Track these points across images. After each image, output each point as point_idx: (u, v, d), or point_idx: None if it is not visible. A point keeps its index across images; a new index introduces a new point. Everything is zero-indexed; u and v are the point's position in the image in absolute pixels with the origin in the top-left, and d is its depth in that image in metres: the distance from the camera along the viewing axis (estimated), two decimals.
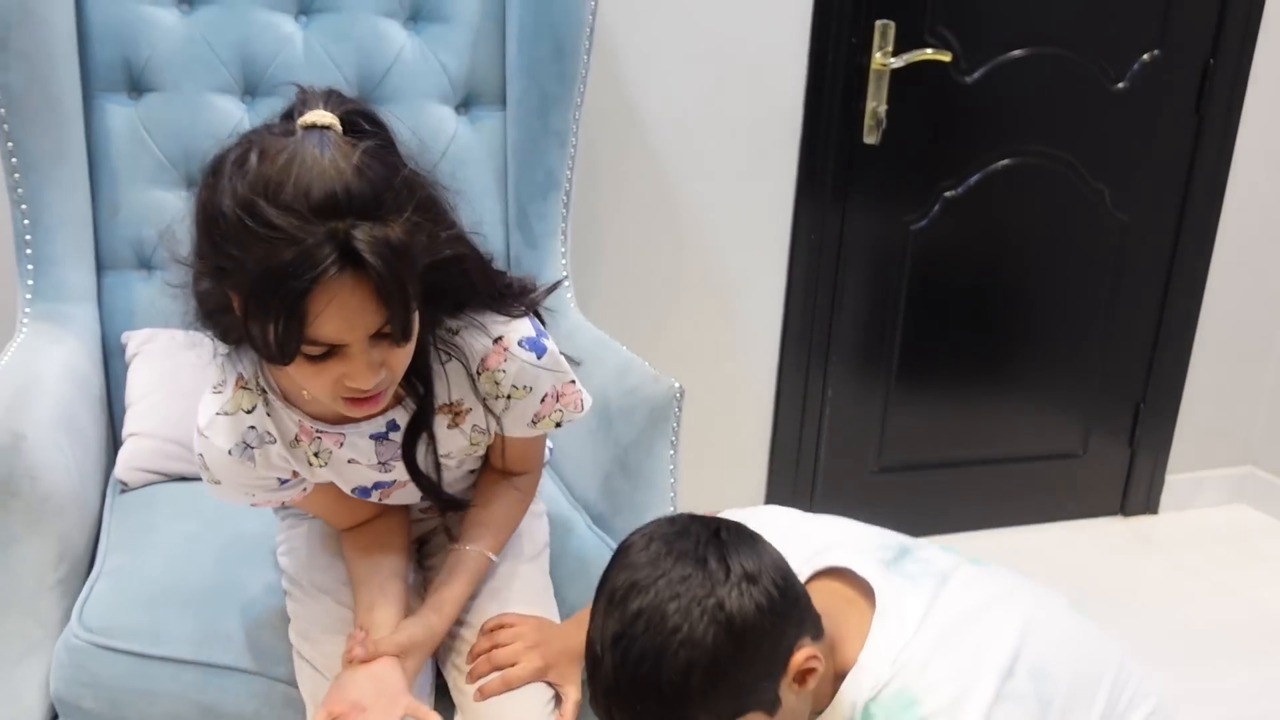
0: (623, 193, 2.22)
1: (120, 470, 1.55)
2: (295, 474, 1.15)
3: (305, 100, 0.93)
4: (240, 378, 1.09)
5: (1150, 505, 2.95)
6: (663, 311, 2.33)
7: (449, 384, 1.12)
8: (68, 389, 1.44)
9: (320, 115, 0.91)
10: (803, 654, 0.94)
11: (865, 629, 1.01)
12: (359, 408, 0.99)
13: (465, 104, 1.88)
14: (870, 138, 2.36)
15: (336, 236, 0.85)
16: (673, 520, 0.98)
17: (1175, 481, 2.96)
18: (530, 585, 1.28)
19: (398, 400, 1.12)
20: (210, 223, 0.89)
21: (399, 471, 1.16)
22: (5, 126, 1.57)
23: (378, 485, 1.19)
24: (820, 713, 1.02)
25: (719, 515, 1.03)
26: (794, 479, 2.58)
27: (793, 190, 2.36)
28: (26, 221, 1.62)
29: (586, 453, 1.59)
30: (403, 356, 0.97)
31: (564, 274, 1.89)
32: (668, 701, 0.90)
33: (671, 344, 2.35)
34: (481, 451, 1.23)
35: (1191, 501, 2.99)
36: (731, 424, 2.47)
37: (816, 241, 2.40)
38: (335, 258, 0.85)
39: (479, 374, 1.12)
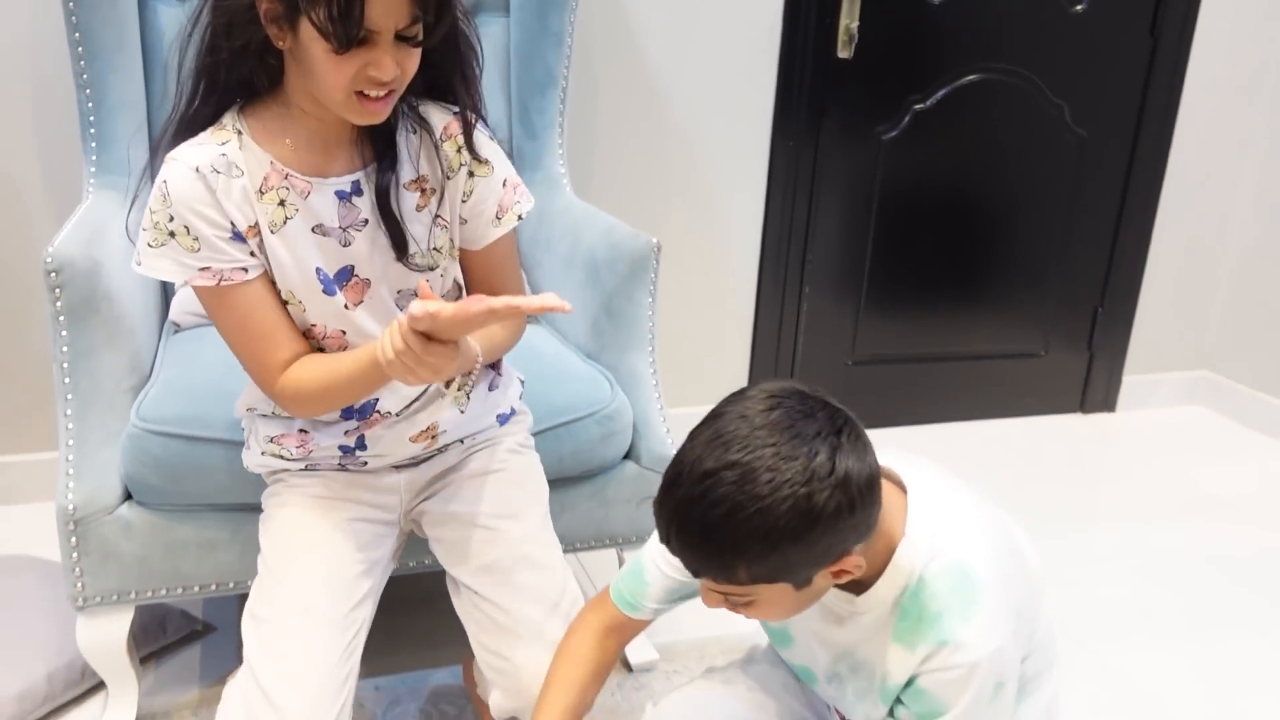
0: (616, 93, 2.45)
1: (174, 314, 1.81)
2: (246, 240, 1.20)
3: None
4: (219, 124, 1.20)
5: (1108, 404, 3.18)
6: (650, 206, 2.56)
7: (416, 157, 1.25)
8: (128, 242, 1.69)
9: None
10: (851, 560, 1.01)
11: (904, 511, 1.08)
12: (369, 106, 1.13)
13: (474, 10, 2.10)
14: (844, 52, 2.57)
15: None
16: (805, 397, 1.01)
17: (1132, 383, 3.18)
18: (539, 535, 1.41)
19: (363, 164, 1.23)
20: None
21: (359, 250, 1.23)
22: (74, 18, 1.80)
23: (340, 274, 1.24)
24: (875, 580, 1.08)
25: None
26: (774, 370, 2.82)
27: (772, 98, 2.58)
28: (90, 104, 1.86)
29: (576, 302, 1.83)
30: (414, 61, 1.14)
31: (560, 164, 2.12)
32: (722, 548, 0.96)
33: (657, 236, 2.57)
34: (443, 262, 1.31)
35: (1148, 401, 3.22)
36: (715, 319, 2.71)
37: (794, 148, 2.63)
38: None
39: (442, 140, 1.25)
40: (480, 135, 1.29)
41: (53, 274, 1.41)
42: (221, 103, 1.20)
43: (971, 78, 2.72)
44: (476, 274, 1.36)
